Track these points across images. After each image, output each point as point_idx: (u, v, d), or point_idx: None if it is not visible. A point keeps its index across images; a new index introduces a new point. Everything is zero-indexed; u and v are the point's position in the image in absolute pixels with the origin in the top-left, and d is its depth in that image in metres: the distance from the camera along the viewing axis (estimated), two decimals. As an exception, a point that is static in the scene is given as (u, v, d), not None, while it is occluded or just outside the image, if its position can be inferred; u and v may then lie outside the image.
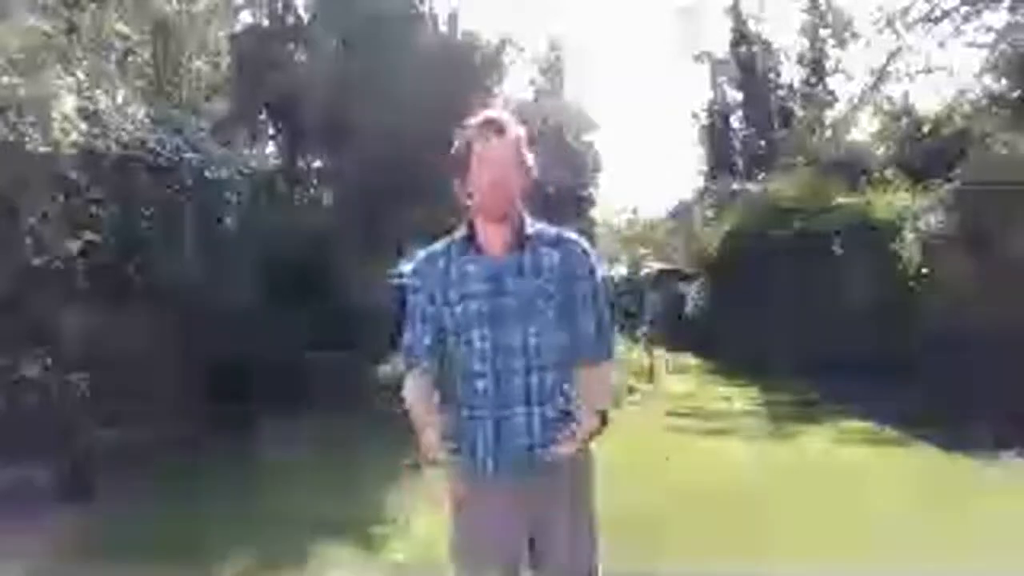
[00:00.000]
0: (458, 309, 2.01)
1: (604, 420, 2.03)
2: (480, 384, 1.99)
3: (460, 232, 2.09)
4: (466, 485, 2.04)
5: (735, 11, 22.26)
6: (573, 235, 2.12)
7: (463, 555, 2.06)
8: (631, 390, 10.32)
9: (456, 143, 2.05)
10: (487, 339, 1.99)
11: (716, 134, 22.56)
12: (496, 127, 2.01)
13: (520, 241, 2.04)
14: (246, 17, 10.50)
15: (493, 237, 2.04)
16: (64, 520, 4.27)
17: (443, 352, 2.05)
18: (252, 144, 10.05)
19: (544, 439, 1.98)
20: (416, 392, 2.02)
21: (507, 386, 1.98)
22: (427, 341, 2.05)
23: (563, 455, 1.98)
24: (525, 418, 1.98)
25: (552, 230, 2.10)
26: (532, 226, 2.08)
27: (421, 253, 2.15)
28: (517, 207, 2.05)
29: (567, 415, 2.02)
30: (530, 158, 2.06)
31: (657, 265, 21.11)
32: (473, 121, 2.05)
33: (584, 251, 2.09)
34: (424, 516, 4.47)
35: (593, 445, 2.09)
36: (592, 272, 2.09)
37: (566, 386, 2.04)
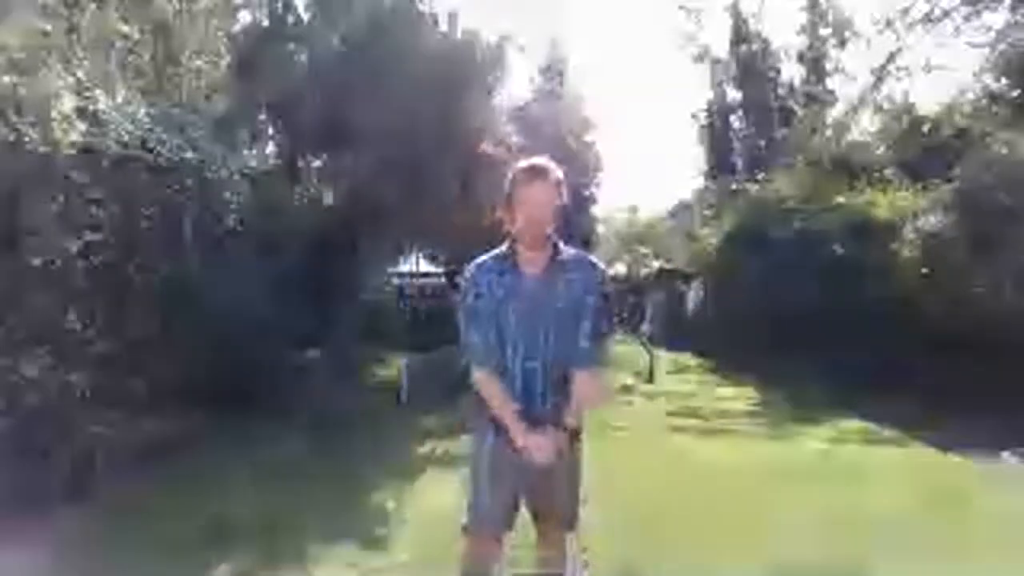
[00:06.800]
0: (502, 315, 2.46)
1: (576, 434, 2.55)
2: (509, 375, 2.48)
3: (503, 251, 2.53)
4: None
5: (735, 10, 22.25)
6: (593, 259, 2.62)
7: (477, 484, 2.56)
8: (631, 389, 10.34)
9: (506, 182, 2.48)
10: (519, 341, 2.47)
11: (716, 134, 22.53)
12: (539, 173, 2.44)
13: (553, 265, 2.48)
14: (246, 17, 10.51)
15: (531, 260, 2.49)
16: (64, 520, 4.27)
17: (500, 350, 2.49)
18: (252, 144, 10.05)
19: (554, 415, 2.47)
20: (499, 395, 2.47)
21: (530, 375, 2.48)
22: (492, 339, 2.48)
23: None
24: (540, 398, 2.49)
25: (580, 256, 2.57)
26: (564, 253, 2.52)
27: (473, 264, 2.56)
28: (552, 237, 2.48)
29: (566, 396, 2.50)
30: (565, 196, 2.47)
31: (657, 265, 21.13)
32: (520, 165, 2.50)
33: (599, 274, 2.56)
34: (427, 515, 4.48)
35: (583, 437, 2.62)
36: (599, 293, 2.52)
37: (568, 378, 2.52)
